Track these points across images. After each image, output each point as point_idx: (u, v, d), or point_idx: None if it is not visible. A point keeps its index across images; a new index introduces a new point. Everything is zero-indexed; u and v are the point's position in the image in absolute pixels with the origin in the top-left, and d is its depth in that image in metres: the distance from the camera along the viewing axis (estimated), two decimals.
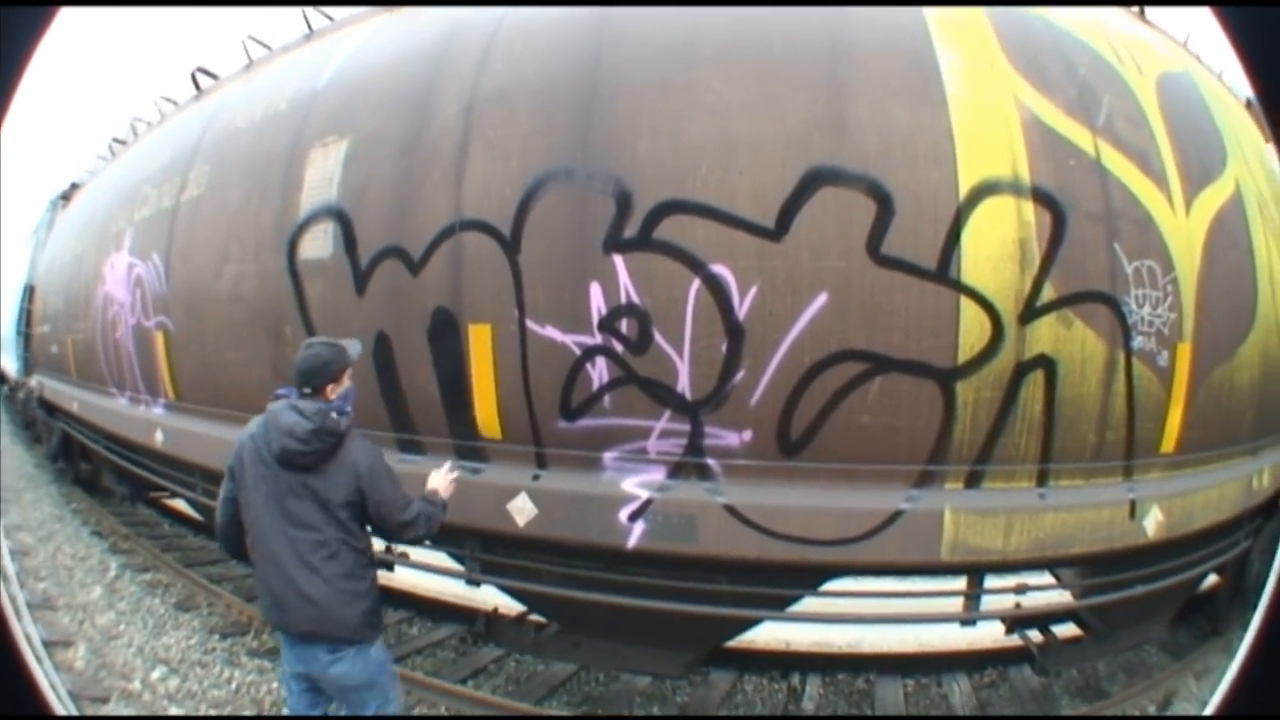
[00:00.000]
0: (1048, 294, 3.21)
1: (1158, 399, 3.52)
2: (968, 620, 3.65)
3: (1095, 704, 4.27)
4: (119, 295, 5.39)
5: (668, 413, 3.21)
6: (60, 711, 3.60)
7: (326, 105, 4.18)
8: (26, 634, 4.60)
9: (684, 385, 3.17)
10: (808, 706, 4.02)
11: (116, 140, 6.86)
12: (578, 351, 3.25)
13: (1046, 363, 3.24)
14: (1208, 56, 5.03)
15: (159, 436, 5.10)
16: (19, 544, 6.79)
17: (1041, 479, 3.44)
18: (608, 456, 3.31)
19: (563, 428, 3.33)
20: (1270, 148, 5.76)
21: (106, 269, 5.63)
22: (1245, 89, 5.66)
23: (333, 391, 2.60)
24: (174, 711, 4.12)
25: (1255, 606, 5.50)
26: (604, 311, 3.21)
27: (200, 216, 4.70)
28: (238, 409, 4.45)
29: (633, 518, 3.26)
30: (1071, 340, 3.27)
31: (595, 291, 3.22)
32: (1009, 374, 3.21)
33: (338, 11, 4.84)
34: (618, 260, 3.19)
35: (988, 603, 3.75)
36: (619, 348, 3.21)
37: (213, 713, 4.13)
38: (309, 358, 2.61)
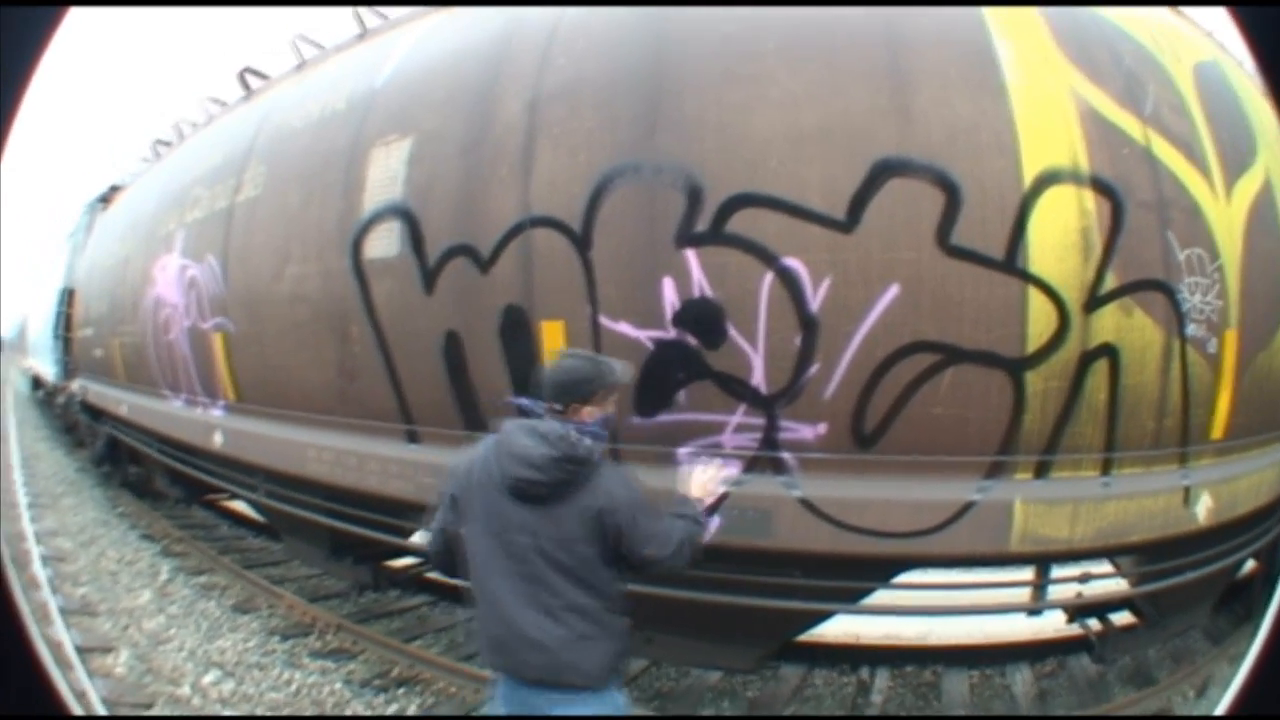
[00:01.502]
0: (1109, 283, 3.26)
1: (1208, 385, 3.58)
2: (1034, 610, 3.70)
3: (1143, 690, 4.33)
4: (171, 297, 5.54)
5: (743, 407, 3.30)
6: (79, 713, 3.71)
7: (386, 104, 4.30)
8: (57, 640, 4.71)
9: (759, 379, 3.26)
10: (876, 700, 4.10)
11: (160, 142, 7.02)
12: (651, 347, 3.35)
13: (1110, 351, 3.29)
14: (1231, 48, 5.09)
15: (218, 438, 5.25)
16: (56, 550, 6.91)
17: (1105, 468, 3.50)
18: (683, 451, 3.39)
19: (637, 423, 3.42)
20: None
21: (157, 271, 5.78)
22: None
23: (589, 415, 2.31)
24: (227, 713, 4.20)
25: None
26: (677, 306, 3.30)
27: (258, 218, 4.84)
28: (301, 409, 4.59)
29: (709, 512, 3.32)
30: (1132, 329, 3.32)
31: (668, 286, 3.31)
32: (1075, 363, 3.26)
33: (390, 11, 4.93)
34: (690, 255, 3.28)
35: (1052, 592, 3.80)
36: (693, 342, 3.30)
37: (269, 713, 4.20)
38: (563, 369, 2.35)
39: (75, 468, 10.18)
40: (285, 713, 4.30)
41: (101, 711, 3.93)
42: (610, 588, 2.29)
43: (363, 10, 4.97)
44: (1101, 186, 3.26)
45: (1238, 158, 3.81)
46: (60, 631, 4.86)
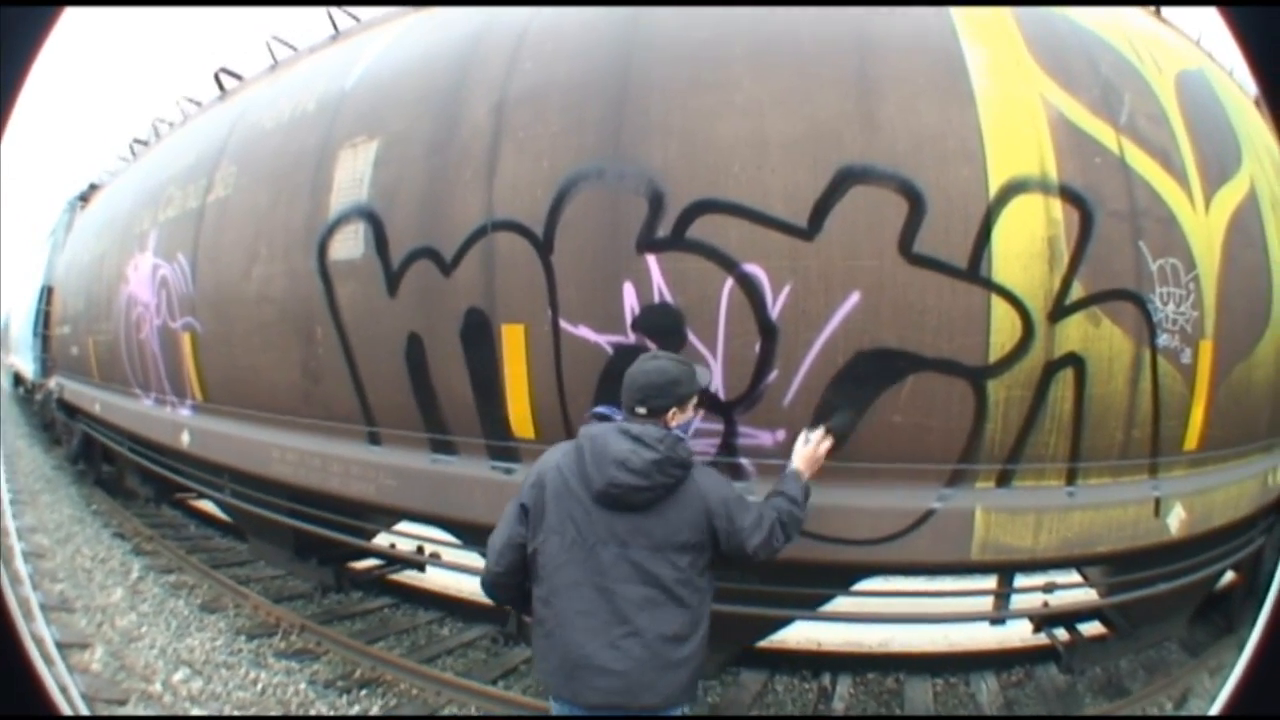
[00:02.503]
0: (1076, 292, 3.21)
1: (1181, 397, 3.52)
2: (997, 619, 3.66)
3: (1116, 701, 4.29)
4: (143, 296, 5.46)
5: (701, 412, 3.23)
6: (67, 712, 3.67)
7: (355, 106, 4.23)
8: (39, 636, 4.65)
9: (717, 385, 3.20)
10: (838, 706, 4.05)
11: (138, 141, 6.94)
12: (611, 351, 3.28)
13: (1075, 361, 3.24)
14: (1219, 55, 5.06)
15: (186, 438, 5.16)
16: (36, 546, 6.86)
17: (1070, 477, 3.44)
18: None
19: None
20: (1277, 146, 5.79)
21: (130, 270, 5.70)
22: (1253, 87, 5.71)
23: (674, 419, 2.19)
24: (196, 713, 4.15)
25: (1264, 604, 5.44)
26: (637, 311, 3.24)
27: (228, 217, 4.76)
28: (266, 410, 4.51)
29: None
30: (1100, 338, 3.27)
31: (629, 291, 3.25)
32: (1039, 372, 3.21)
33: (364, 12, 4.88)
34: (651, 260, 3.22)
35: (1016, 601, 3.77)
36: (652, 347, 3.24)
37: (236, 713, 4.16)
38: (654, 371, 2.20)
39: (52, 465, 10.05)
40: (252, 712, 4.25)
41: (84, 710, 3.89)
42: (701, 598, 2.18)
43: (336, 11, 4.92)
44: (1071, 196, 3.21)
45: (1219, 168, 3.77)
46: (42, 627, 4.81)
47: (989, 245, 3.15)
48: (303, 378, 4.16)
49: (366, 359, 3.89)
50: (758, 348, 3.15)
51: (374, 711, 4.15)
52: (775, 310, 3.14)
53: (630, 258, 3.24)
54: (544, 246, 3.38)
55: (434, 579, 5.55)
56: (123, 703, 4.03)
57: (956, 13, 3.40)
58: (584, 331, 3.32)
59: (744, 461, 3.26)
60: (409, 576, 5.73)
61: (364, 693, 4.26)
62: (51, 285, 8.75)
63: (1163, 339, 3.39)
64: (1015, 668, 4.67)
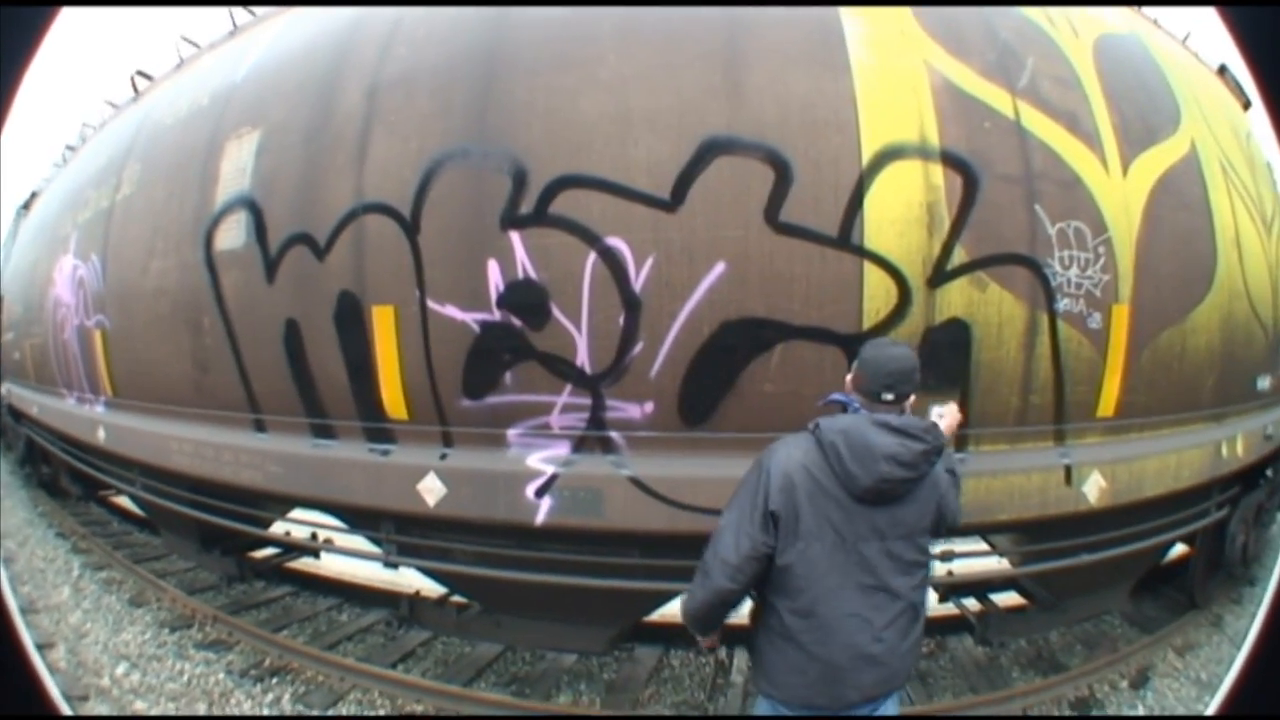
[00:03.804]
0: (959, 257, 3.09)
1: (1090, 362, 3.37)
2: None
3: (1050, 677, 4.14)
4: (66, 297, 5.27)
5: (569, 387, 3.09)
6: (68, 713, 3.59)
7: (243, 98, 4.03)
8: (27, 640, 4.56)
9: (583, 359, 3.05)
10: (737, 680, 3.90)
11: (69, 147, 6.78)
12: (478, 329, 3.12)
13: (960, 326, 3.13)
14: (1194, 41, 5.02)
15: (101, 434, 4.97)
16: (8, 552, 6.65)
17: (960, 444, 3.34)
18: (512, 433, 3.18)
19: (467, 406, 3.19)
20: (1245, 114, 5.71)
21: (56, 272, 5.51)
22: (1217, 57, 5.64)
23: (913, 404, 2.03)
24: (139, 706, 4.07)
25: (1250, 583, 5.32)
26: (502, 288, 3.08)
27: (131, 214, 4.55)
28: (164, 402, 4.35)
29: (539, 493, 3.15)
30: (987, 303, 3.15)
31: (493, 269, 3.10)
32: (918, 338, 3.08)
33: (263, 8, 4.74)
34: (514, 237, 3.07)
35: None
36: (518, 323, 3.09)
37: (171, 706, 4.06)
38: (902, 358, 2.00)
39: (7, 470, 9.94)
40: (182, 701, 4.16)
41: (65, 706, 3.80)
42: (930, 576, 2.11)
43: (238, 7, 4.79)
44: (953, 161, 3.10)
45: (1146, 131, 3.63)
46: (21, 630, 4.71)
47: (861, 212, 3.01)
48: (194, 368, 3.97)
49: (249, 347, 3.69)
50: (622, 320, 3.00)
51: (285, 698, 4.06)
52: (639, 283, 3.00)
53: (494, 235, 3.08)
54: (411, 227, 3.20)
55: (330, 565, 5.36)
56: (85, 699, 3.94)
57: None
58: (451, 310, 3.16)
59: (614, 435, 3.11)
60: (306, 564, 5.58)
61: (275, 680, 4.09)
62: (0, 294, 8.57)
63: (1064, 303, 3.25)
64: (925, 639, 4.50)
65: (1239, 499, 4.72)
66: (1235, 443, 4.36)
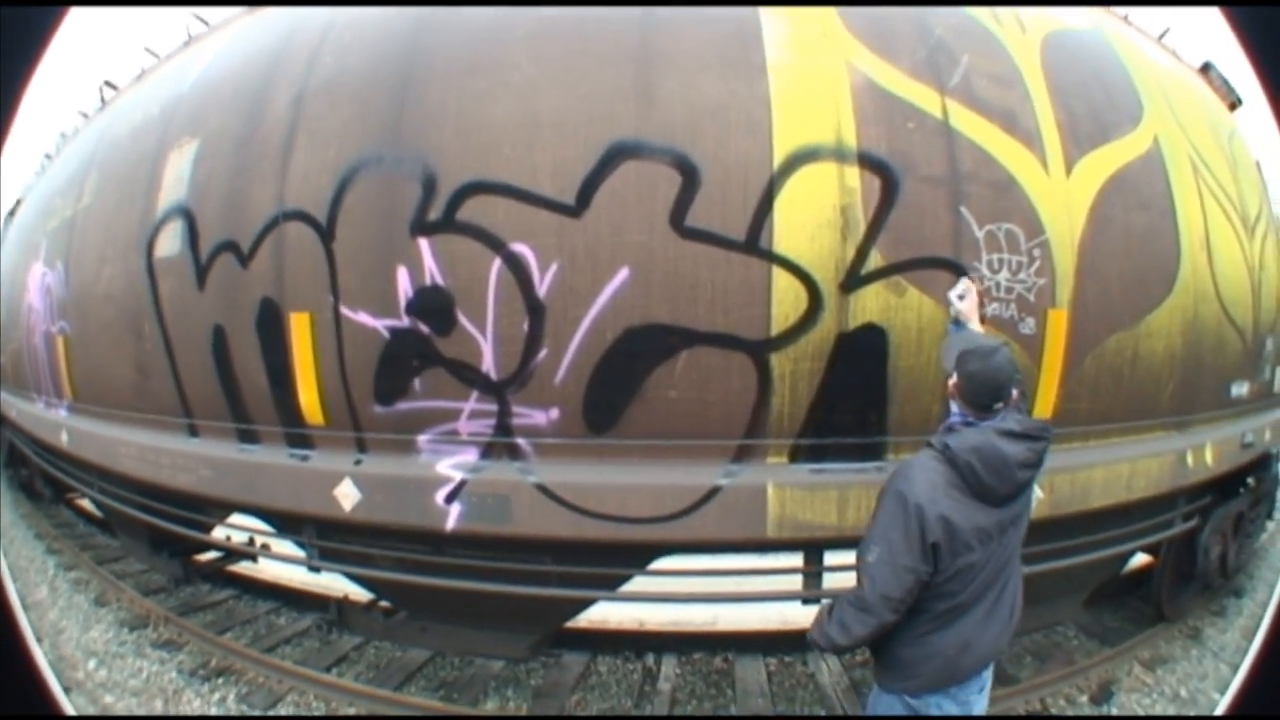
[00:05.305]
0: (874, 261, 3.09)
1: (1023, 369, 3.41)
2: (810, 599, 3.57)
3: (998, 690, 4.12)
4: (37, 304, 5.53)
5: (475, 393, 3.17)
6: (71, 712, 3.79)
7: (188, 108, 4.19)
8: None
9: (489, 365, 3.13)
10: (664, 687, 3.96)
11: (47, 155, 7.11)
12: (388, 335, 3.22)
13: (876, 332, 3.14)
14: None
15: (64, 437, 5.21)
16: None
17: (879, 452, 3.36)
18: (422, 439, 3.27)
19: (379, 412, 3.29)
20: (1230, 113, 5.61)
21: (30, 279, 5.79)
22: (1204, 55, 5.56)
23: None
24: (108, 700, 4.29)
25: (1235, 595, 5.17)
26: (410, 294, 3.17)
27: (90, 223, 4.75)
28: (114, 406, 4.56)
29: (449, 499, 3.23)
30: (905, 308, 3.14)
31: (402, 275, 3.19)
32: (831, 344, 3.11)
33: (212, 16, 4.93)
34: (423, 243, 3.15)
35: (835, 579, 3.65)
36: (426, 330, 3.18)
37: (134, 701, 4.26)
38: (1004, 366, 2.09)
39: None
40: (143, 697, 4.36)
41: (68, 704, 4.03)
42: None
43: (192, 18, 4.98)
44: (870, 162, 3.10)
45: (1097, 129, 3.59)
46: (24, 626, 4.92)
47: (770, 216, 3.05)
48: (136, 373, 4.13)
49: (182, 353, 3.84)
50: (526, 327, 3.08)
51: (230, 698, 4.24)
52: (543, 289, 3.07)
53: (404, 242, 3.17)
54: (327, 234, 3.30)
55: (267, 570, 5.54)
56: (67, 690, 4.15)
57: None
58: (363, 317, 3.26)
59: (520, 441, 3.18)
60: (246, 568, 5.74)
61: (221, 681, 4.26)
62: None
63: (991, 308, 3.23)
64: (862, 647, 4.48)
65: (1211, 509, 4.62)
66: (1203, 451, 4.28)
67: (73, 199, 5.10)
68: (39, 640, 4.81)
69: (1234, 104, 5.49)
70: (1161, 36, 5.20)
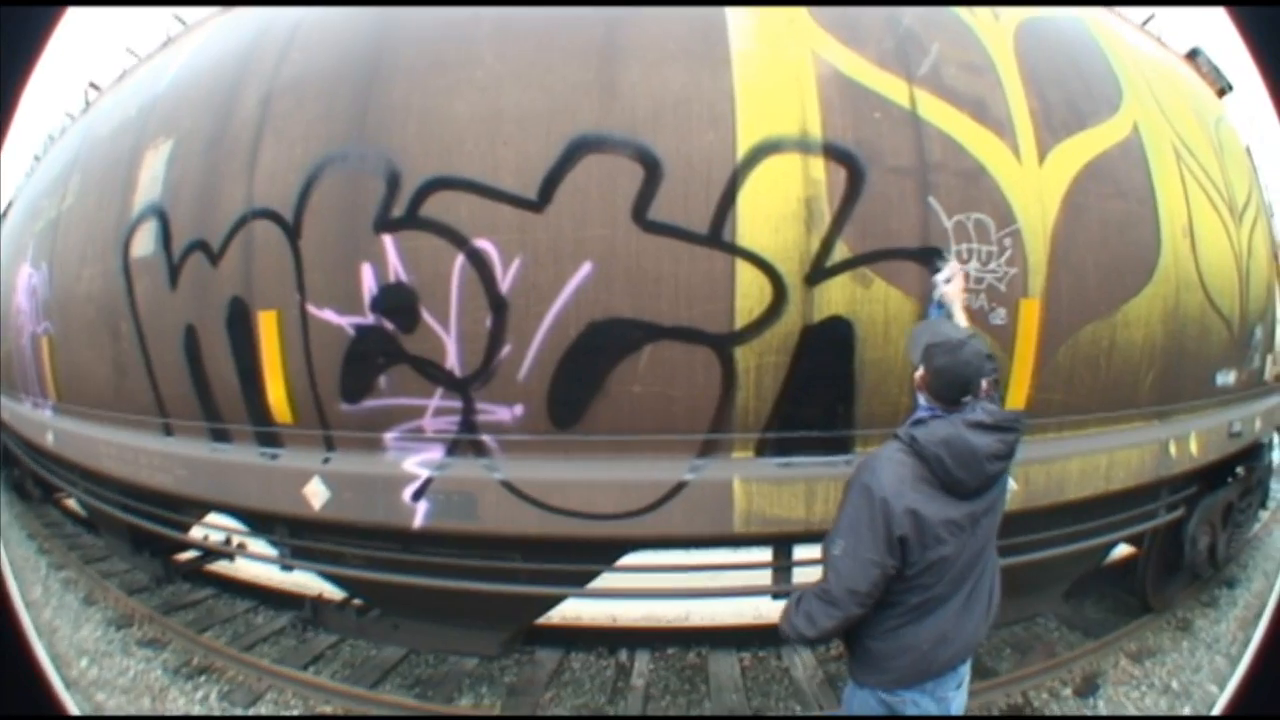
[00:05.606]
0: (840, 253, 3.08)
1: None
2: (780, 594, 3.57)
3: (978, 682, 4.11)
4: (24, 305, 5.60)
5: (440, 390, 3.18)
6: (75, 712, 3.84)
7: (163, 108, 4.23)
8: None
9: (453, 362, 3.14)
10: (638, 684, 3.97)
11: (36, 157, 7.20)
12: (353, 333, 3.24)
13: (842, 324, 3.13)
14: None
15: (50, 437, 5.28)
16: None
17: (846, 445, 3.35)
18: (389, 437, 3.29)
19: (346, 410, 3.31)
20: (1219, 100, 5.56)
21: (18, 279, 5.87)
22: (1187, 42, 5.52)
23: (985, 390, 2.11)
24: (100, 698, 4.36)
25: (1228, 585, 5.12)
26: (375, 291, 3.19)
27: (72, 224, 4.79)
28: (94, 406, 4.61)
29: (415, 497, 3.25)
30: (871, 300, 3.13)
31: (367, 272, 3.21)
32: (796, 337, 3.10)
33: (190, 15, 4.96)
34: (387, 240, 3.17)
35: (804, 574, 3.64)
36: (390, 327, 3.19)
37: (124, 699, 4.33)
38: (972, 359, 2.06)
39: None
40: (131, 695, 4.42)
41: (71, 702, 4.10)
42: None
43: (173, 17, 5.02)
44: (836, 154, 3.10)
45: (1073, 116, 3.56)
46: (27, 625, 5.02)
47: (734, 209, 3.04)
48: (114, 373, 4.18)
49: (157, 352, 3.87)
50: (489, 323, 3.09)
51: (213, 696, 4.29)
52: (506, 284, 3.08)
53: (368, 239, 3.18)
54: (293, 232, 3.32)
55: (245, 569, 5.61)
56: (67, 686, 4.19)
57: None
58: (329, 315, 3.27)
59: (485, 438, 3.19)
60: (224, 567, 5.78)
61: (203, 679, 4.33)
62: None
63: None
64: (836, 640, 4.49)
65: (1198, 499, 4.59)
66: (1187, 441, 4.24)
67: (57, 200, 5.16)
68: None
69: (1222, 90, 5.43)
70: (1145, 24, 5.15)
